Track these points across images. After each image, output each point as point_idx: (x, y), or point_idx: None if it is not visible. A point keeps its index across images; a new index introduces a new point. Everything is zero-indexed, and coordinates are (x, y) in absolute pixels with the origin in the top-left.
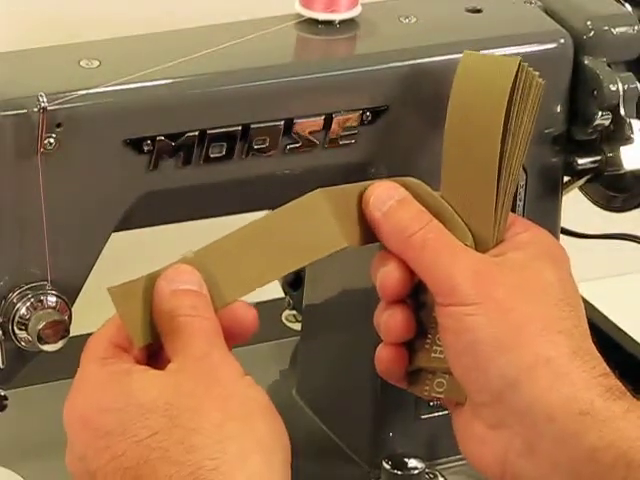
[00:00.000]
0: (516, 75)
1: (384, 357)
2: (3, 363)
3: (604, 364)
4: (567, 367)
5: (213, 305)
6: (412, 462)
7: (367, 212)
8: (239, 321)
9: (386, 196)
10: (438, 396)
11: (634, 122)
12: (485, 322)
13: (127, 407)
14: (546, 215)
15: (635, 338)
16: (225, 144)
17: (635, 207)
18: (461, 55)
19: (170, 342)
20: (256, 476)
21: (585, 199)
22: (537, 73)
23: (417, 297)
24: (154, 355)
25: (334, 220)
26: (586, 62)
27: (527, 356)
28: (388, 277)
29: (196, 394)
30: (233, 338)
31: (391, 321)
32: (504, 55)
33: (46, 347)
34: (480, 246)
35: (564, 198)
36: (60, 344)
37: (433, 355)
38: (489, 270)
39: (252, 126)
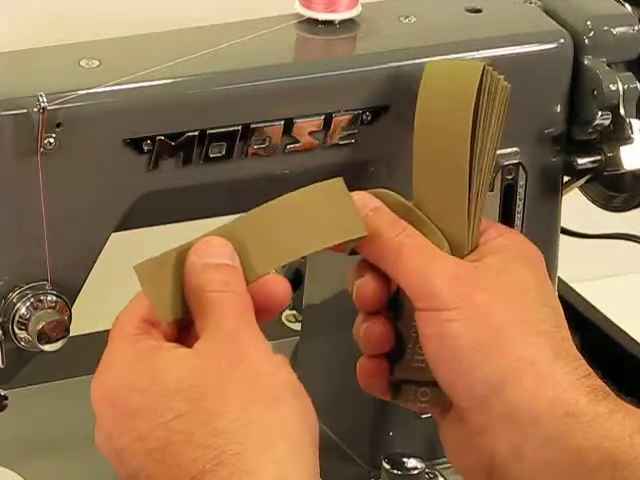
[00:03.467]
0: (481, 80)
1: (366, 370)
2: (3, 363)
3: (586, 365)
4: (550, 369)
5: (245, 277)
6: (412, 462)
7: None
8: (271, 294)
9: (360, 206)
10: (423, 406)
11: (634, 122)
12: (466, 327)
13: (153, 387)
14: (546, 215)
15: (635, 338)
16: (225, 144)
17: (635, 207)
18: (462, 55)
19: (200, 318)
20: (281, 461)
21: (585, 199)
22: (502, 77)
23: (395, 308)
24: (185, 329)
25: (355, 208)
26: (586, 62)
27: (510, 360)
28: (364, 288)
29: (221, 375)
30: (265, 312)
31: (370, 332)
32: (467, 61)
33: (46, 347)
34: (456, 252)
35: (564, 198)
36: (60, 344)
37: (415, 365)
38: (468, 274)
39: (252, 126)
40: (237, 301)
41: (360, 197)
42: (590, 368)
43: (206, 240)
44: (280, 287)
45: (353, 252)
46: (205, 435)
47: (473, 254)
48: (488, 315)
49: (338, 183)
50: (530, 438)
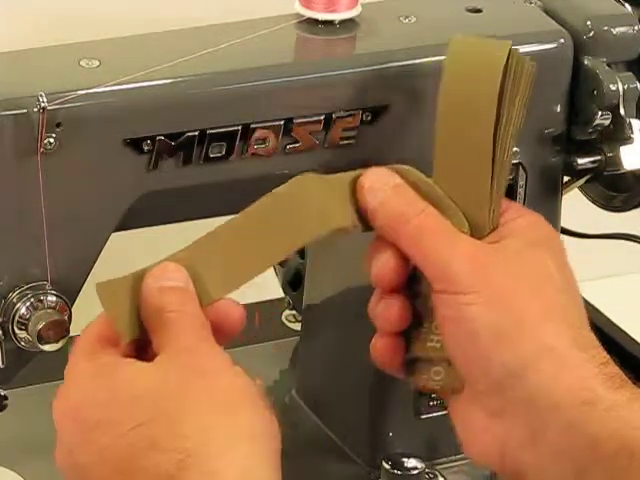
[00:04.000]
0: (507, 59)
1: (380, 347)
2: (3, 363)
3: (604, 352)
4: (569, 356)
5: (200, 302)
6: (412, 462)
7: (361, 199)
8: (226, 318)
9: (381, 183)
10: (436, 385)
11: (634, 122)
12: (484, 311)
13: (114, 399)
14: (546, 215)
15: (635, 338)
16: (225, 144)
17: (635, 207)
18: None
19: (158, 337)
20: (245, 460)
21: (585, 199)
22: (528, 57)
23: (412, 286)
24: (142, 350)
25: (325, 200)
26: (586, 62)
27: (529, 345)
28: (383, 266)
29: (182, 385)
30: (221, 335)
31: (387, 311)
32: (493, 40)
33: (46, 347)
34: (476, 233)
35: (564, 198)
36: (60, 344)
37: (429, 344)
38: (487, 257)
39: (252, 126)
40: (193, 320)
41: (379, 174)
42: (607, 355)
43: (161, 265)
44: (235, 311)
45: (369, 228)
46: (169, 440)
47: (493, 235)
48: (507, 299)
49: (305, 178)
50: (547, 424)
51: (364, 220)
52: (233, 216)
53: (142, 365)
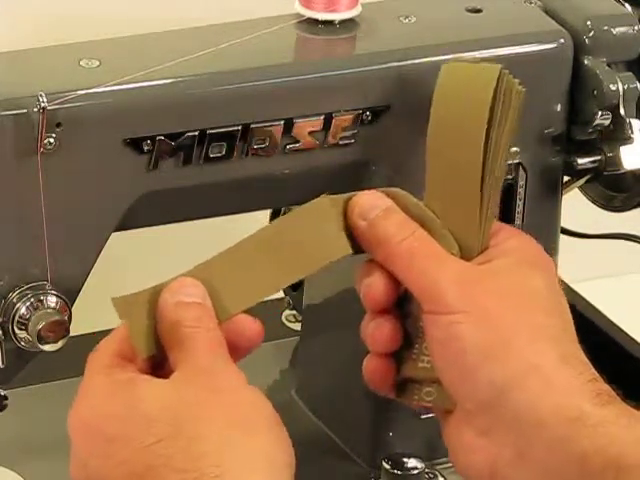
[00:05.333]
0: (497, 83)
1: (372, 368)
2: (3, 363)
3: (592, 369)
4: (556, 374)
5: (217, 318)
6: (412, 462)
7: (352, 221)
8: (243, 334)
9: (371, 205)
10: (427, 405)
11: (634, 122)
12: (472, 330)
13: (131, 415)
14: (546, 215)
15: (635, 338)
16: (225, 144)
17: (635, 207)
18: (461, 55)
19: (174, 353)
20: None
21: (585, 199)
22: (517, 81)
23: (403, 307)
24: (158, 366)
25: (339, 226)
26: (586, 62)
27: (516, 364)
28: (373, 288)
29: (199, 402)
30: (237, 351)
31: (377, 332)
32: (484, 64)
33: (46, 347)
34: (466, 254)
35: (564, 198)
36: (60, 344)
37: (420, 365)
38: (475, 278)
39: (252, 126)
40: (210, 336)
41: (371, 196)
42: (596, 372)
43: (179, 280)
44: (253, 327)
45: (359, 251)
46: (185, 458)
47: (482, 256)
48: (495, 319)
49: (321, 201)
50: (534, 442)
51: (354, 242)
52: (250, 235)
53: (158, 382)
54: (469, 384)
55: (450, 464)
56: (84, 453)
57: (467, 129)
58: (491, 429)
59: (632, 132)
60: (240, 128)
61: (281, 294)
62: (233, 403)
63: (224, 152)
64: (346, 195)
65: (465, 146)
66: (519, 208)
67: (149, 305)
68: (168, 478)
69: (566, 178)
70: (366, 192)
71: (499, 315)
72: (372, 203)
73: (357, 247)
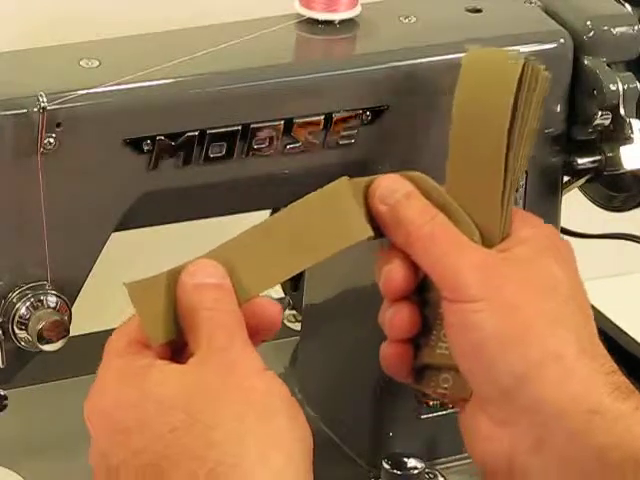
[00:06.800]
0: (523, 69)
1: (389, 354)
2: (3, 363)
3: (612, 361)
4: (576, 364)
5: (237, 299)
6: (412, 462)
7: (373, 205)
8: (263, 316)
9: (392, 190)
10: (444, 392)
11: (634, 122)
12: (492, 319)
13: (147, 403)
14: (546, 215)
15: (635, 338)
16: (225, 144)
17: (635, 207)
18: (461, 55)
19: (192, 336)
20: (277, 473)
21: (585, 199)
22: (543, 66)
23: (421, 294)
24: (179, 350)
25: (358, 208)
26: (586, 62)
27: (535, 353)
28: (392, 275)
29: (215, 388)
30: (258, 334)
31: (396, 318)
32: (508, 51)
33: (46, 347)
34: (487, 242)
35: (564, 198)
36: (60, 344)
37: (438, 351)
38: (496, 266)
39: (252, 126)
40: (229, 319)
41: (392, 180)
42: (615, 365)
43: (197, 262)
44: (273, 309)
45: (379, 235)
46: (201, 447)
47: (503, 243)
48: (515, 308)
49: (339, 186)
50: (552, 432)
51: (375, 227)
52: (269, 217)
53: (175, 368)
54: (488, 372)
55: (450, 464)
56: (102, 442)
57: (491, 116)
58: (509, 418)
59: (632, 132)
60: (240, 128)
61: (281, 294)
62: (249, 388)
63: (224, 152)
64: (367, 178)
65: (489, 132)
66: (519, 208)
67: (166, 289)
68: (185, 467)
69: (566, 178)
70: (387, 176)
71: (519, 304)
72: (393, 187)
73: (377, 231)
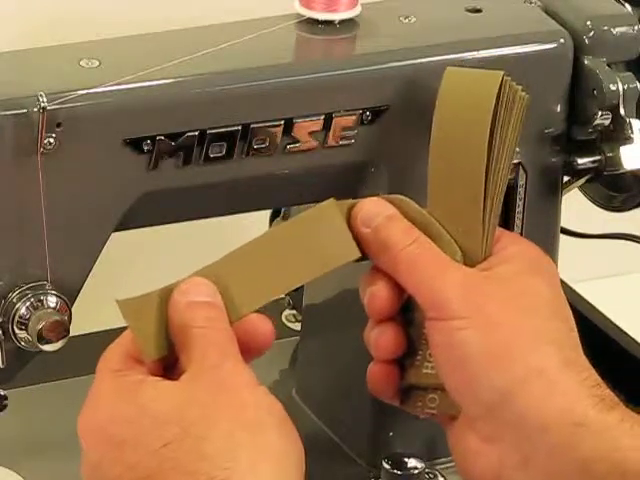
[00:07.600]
0: (499, 89)
1: (375, 374)
2: (3, 363)
3: (596, 375)
4: (559, 378)
5: (228, 317)
6: (412, 462)
7: (355, 228)
8: (255, 334)
9: (374, 213)
10: (431, 412)
11: (634, 122)
12: (475, 336)
13: (140, 418)
14: (546, 215)
15: (635, 338)
16: (225, 144)
17: (635, 207)
18: (461, 55)
19: (184, 354)
20: None
21: (585, 199)
22: (520, 87)
23: (406, 314)
24: (170, 367)
25: (346, 229)
26: (586, 62)
27: (519, 369)
28: (377, 297)
29: (207, 403)
30: (249, 351)
31: (381, 339)
32: (486, 70)
33: (46, 347)
34: (469, 261)
35: (564, 198)
36: (60, 344)
37: (424, 371)
38: (478, 284)
39: (252, 126)
40: (220, 336)
41: (374, 203)
42: (599, 378)
43: (189, 280)
44: (264, 327)
45: (362, 258)
46: (193, 461)
47: (485, 262)
48: (498, 325)
49: (329, 205)
50: (538, 446)
51: (360, 248)
52: (258, 235)
53: (167, 384)
54: (473, 390)
55: (450, 464)
56: (95, 457)
57: (470, 135)
58: (496, 434)
59: (632, 132)
60: (240, 128)
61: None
62: (241, 403)
63: (224, 152)
64: (349, 201)
65: (468, 153)
66: (519, 208)
67: (158, 307)
68: None
69: (566, 178)
70: (369, 199)
71: (502, 321)
72: (375, 210)
73: (361, 253)
